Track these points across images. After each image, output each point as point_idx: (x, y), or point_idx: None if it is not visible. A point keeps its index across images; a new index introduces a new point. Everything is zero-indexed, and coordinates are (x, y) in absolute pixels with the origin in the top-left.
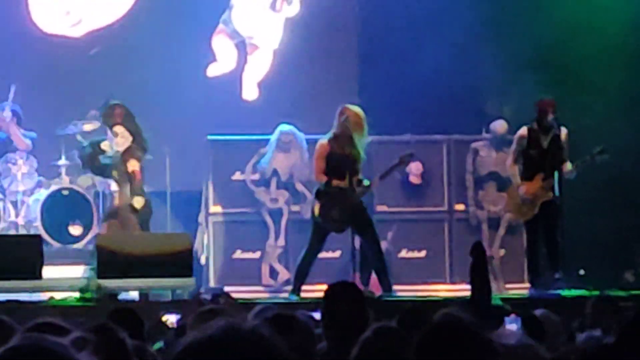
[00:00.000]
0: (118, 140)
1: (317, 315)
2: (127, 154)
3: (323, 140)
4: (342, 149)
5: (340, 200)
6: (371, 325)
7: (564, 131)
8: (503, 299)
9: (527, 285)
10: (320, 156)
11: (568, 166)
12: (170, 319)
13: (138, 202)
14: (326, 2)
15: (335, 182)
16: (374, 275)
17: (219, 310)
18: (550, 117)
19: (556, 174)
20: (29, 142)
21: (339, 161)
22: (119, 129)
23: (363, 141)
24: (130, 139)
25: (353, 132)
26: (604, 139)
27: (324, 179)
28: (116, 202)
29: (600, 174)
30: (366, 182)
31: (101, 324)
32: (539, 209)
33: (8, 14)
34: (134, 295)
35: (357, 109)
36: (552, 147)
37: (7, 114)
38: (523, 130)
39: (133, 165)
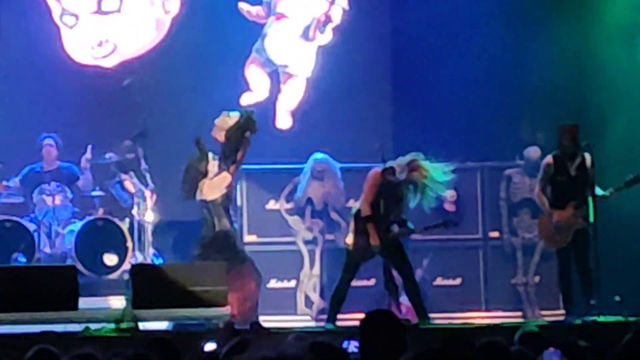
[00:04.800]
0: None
1: (345, 344)
2: None
3: (377, 169)
4: (392, 185)
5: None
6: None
7: (587, 157)
8: (539, 326)
9: (563, 312)
10: (371, 186)
11: (599, 192)
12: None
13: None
14: (359, 30)
15: (370, 226)
16: (408, 303)
17: (251, 340)
18: (571, 143)
19: (590, 201)
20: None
21: (384, 194)
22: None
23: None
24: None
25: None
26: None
27: (368, 212)
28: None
29: (634, 199)
30: (410, 225)
31: (138, 354)
32: (573, 239)
33: (41, 45)
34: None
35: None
36: (580, 173)
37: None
38: (549, 158)
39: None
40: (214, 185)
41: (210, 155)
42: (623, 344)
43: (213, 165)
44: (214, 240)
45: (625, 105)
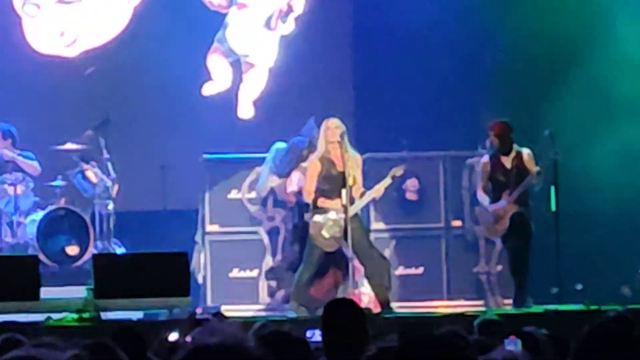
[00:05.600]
0: None
1: (308, 334)
2: None
3: (314, 159)
4: (332, 165)
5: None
6: (374, 343)
7: (525, 151)
8: (499, 315)
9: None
10: (311, 177)
11: (535, 169)
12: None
13: None
14: (321, 20)
15: (321, 201)
16: (371, 292)
17: (216, 328)
18: (496, 139)
19: (552, 190)
20: (36, 164)
21: (329, 178)
22: None
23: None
24: None
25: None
26: (601, 153)
27: (311, 198)
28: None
29: (596, 188)
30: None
31: (100, 343)
32: (510, 223)
33: (2, 35)
34: (135, 315)
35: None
36: (516, 165)
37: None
38: (485, 158)
39: None
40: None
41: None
42: (583, 337)
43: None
44: (304, 229)
45: (584, 93)
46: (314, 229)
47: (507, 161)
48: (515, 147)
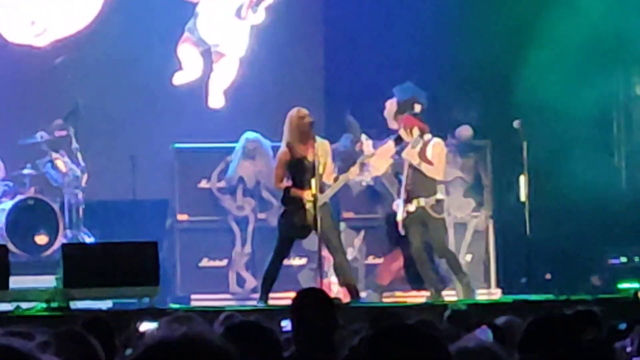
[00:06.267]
0: None
1: (283, 323)
2: None
3: (283, 147)
4: (302, 154)
5: (301, 207)
6: (343, 332)
7: (433, 142)
8: (469, 305)
9: (495, 290)
10: (280, 164)
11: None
12: (149, 327)
13: None
14: (291, 10)
15: (293, 190)
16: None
17: (185, 318)
18: (402, 132)
19: (522, 179)
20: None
21: (300, 167)
22: None
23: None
24: None
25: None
26: (571, 147)
27: (282, 186)
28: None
29: (566, 179)
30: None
31: (72, 331)
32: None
33: None
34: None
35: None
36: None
37: None
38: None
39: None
40: (379, 157)
41: (363, 136)
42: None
43: (367, 144)
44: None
45: (555, 82)
46: (285, 218)
47: (414, 155)
48: (426, 138)
